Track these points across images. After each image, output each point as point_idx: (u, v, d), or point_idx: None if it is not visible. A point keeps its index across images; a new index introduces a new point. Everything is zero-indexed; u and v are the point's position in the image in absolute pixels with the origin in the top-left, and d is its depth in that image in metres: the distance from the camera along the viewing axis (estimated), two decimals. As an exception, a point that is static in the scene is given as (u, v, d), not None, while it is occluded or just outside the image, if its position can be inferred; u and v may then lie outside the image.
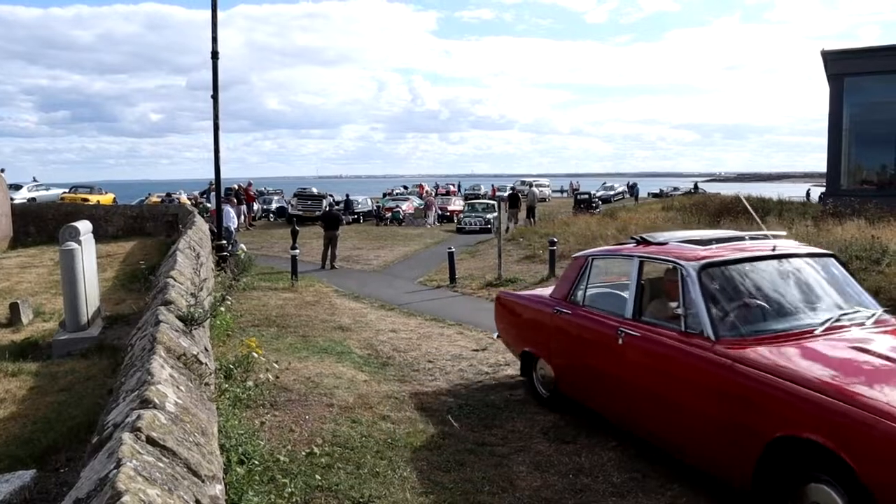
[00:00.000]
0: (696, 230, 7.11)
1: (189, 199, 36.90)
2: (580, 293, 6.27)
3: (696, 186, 58.16)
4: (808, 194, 42.01)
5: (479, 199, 41.20)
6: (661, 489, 4.92)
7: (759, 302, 4.87)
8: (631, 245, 6.08)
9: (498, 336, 7.97)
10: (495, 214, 28.05)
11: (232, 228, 17.84)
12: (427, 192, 48.65)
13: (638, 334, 5.22)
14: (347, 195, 37.72)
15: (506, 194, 43.56)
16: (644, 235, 6.09)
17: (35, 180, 34.61)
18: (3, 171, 21.50)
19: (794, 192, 39.73)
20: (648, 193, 58.81)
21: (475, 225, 29.00)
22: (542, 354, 6.69)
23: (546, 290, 7.39)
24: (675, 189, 61.10)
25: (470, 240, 24.91)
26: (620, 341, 5.35)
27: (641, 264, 5.58)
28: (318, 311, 11.78)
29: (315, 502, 4.60)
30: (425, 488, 4.92)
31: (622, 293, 5.91)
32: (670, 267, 5.28)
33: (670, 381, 4.84)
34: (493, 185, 57.88)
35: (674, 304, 5.07)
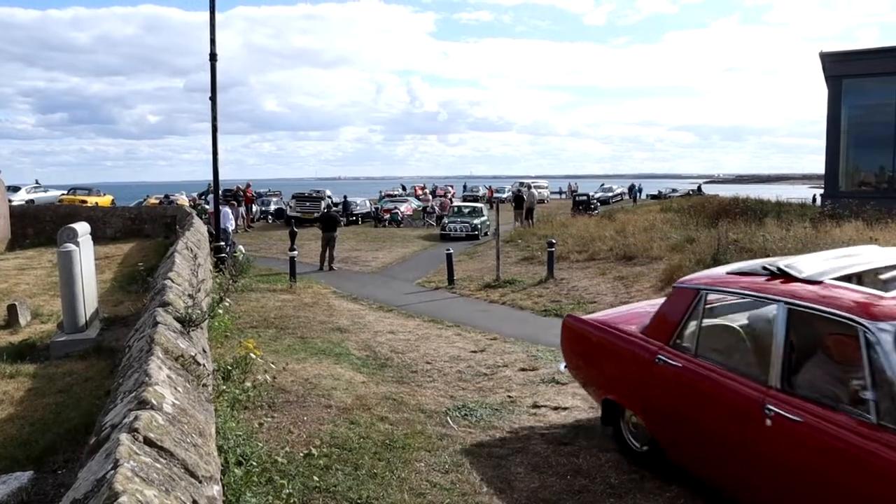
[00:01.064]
0: (840, 250, 5.14)
1: (188, 200, 36.88)
2: (690, 337, 4.76)
3: (699, 189, 58.20)
4: (814, 199, 39.35)
5: (477, 200, 41.06)
6: (658, 490, 4.92)
7: None
8: (763, 278, 4.49)
9: (565, 367, 6.41)
10: (483, 219, 27.29)
11: (229, 230, 17.82)
12: (424, 193, 48.64)
13: (798, 419, 3.73)
14: (345, 196, 37.71)
15: (504, 195, 43.56)
16: (782, 266, 4.45)
17: (37, 183, 34.64)
18: None
19: (792, 193, 39.72)
20: (647, 195, 58.90)
21: (461, 231, 26.25)
22: (635, 408, 5.30)
23: (621, 312, 6.16)
24: (674, 191, 61.20)
25: (456, 247, 23.46)
26: (769, 422, 3.90)
27: (790, 314, 4.03)
28: (316, 313, 11.78)
29: (313, 503, 4.60)
30: (423, 489, 4.92)
31: (756, 344, 4.45)
32: (842, 321, 3.72)
33: (861, 495, 3.41)
34: (489, 187, 57.92)
35: (858, 383, 3.58)
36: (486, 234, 26.39)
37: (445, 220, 28.30)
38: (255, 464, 4.51)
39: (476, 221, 27.05)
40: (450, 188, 58.27)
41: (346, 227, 30.67)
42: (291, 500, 4.38)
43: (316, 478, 4.86)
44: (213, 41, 14.26)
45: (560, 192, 65.80)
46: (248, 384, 6.03)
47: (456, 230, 26.36)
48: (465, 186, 61.96)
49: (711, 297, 4.83)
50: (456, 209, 30.02)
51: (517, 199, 31.91)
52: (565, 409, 6.84)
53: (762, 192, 33.17)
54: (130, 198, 42.15)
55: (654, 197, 56.08)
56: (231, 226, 18.58)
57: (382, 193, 47.85)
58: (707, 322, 4.77)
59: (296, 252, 16.22)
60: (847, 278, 4.18)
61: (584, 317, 6.24)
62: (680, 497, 4.78)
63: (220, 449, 4.09)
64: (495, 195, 46.14)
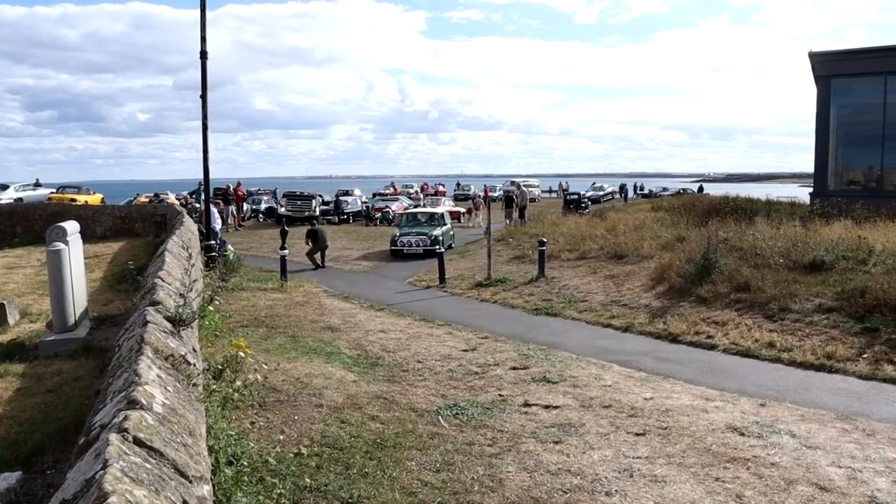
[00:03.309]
0: None
1: (178, 199, 36.68)
2: None
3: (700, 188, 58.46)
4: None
5: (468, 199, 40.53)
6: (649, 485, 4.94)
7: None
8: None
9: None
10: (445, 228, 21.77)
11: (217, 229, 17.74)
12: (433, 192, 48.48)
13: None
14: (336, 196, 37.60)
15: (496, 194, 43.46)
16: None
17: (38, 182, 34.55)
18: None
19: (782, 192, 39.87)
20: (637, 194, 59.06)
21: (416, 245, 20.23)
22: None
23: None
24: (665, 189, 61.39)
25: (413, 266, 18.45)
26: None
27: None
28: (307, 312, 11.76)
29: (304, 503, 4.60)
30: (414, 488, 4.92)
31: None
32: None
33: None
34: (485, 186, 57.79)
35: None
36: (450, 246, 21.55)
37: (396, 231, 21.90)
38: (245, 463, 4.50)
39: (436, 233, 20.80)
40: (440, 186, 58.05)
41: (338, 225, 30.64)
42: (282, 500, 4.37)
43: (307, 477, 4.85)
44: (203, 39, 14.19)
45: (550, 191, 65.83)
46: (239, 383, 6.01)
47: (410, 245, 20.33)
48: (458, 184, 61.69)
49: None
50: (409, 216, 23.48)
51: (508, 199, 31.80)
52: (556, 407, 6.86)
53: (752, 191, 33.29)
54: (120, 196, 41.91)
55: (644, 196, 56.26)
56: (217, 225, 18.49)
57: (340, 192, 46.38)
58: None
59: (286, 251, 16.19)
60: None
61: None
62: (670, 493, 4.79)
63: (210, 449, 4.08)
64: (491, 194, 45.90)
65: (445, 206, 37.06)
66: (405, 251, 20.14)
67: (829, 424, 6.54)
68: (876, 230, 13.95)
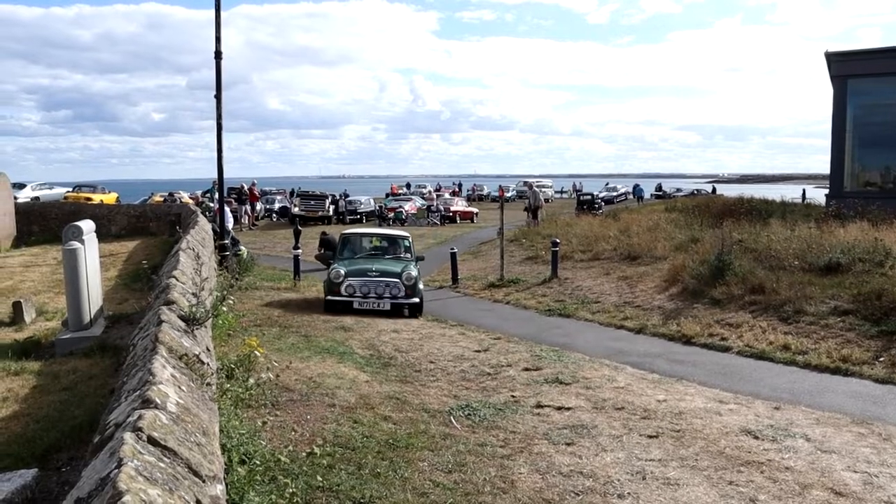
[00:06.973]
0: None
1: (191, 198, 36.91)
2: None
3: (713, 189, 58.19)
4: (803, 196, 37.02)
5: (482, 200, 40.16)
6: (662, 488, 4.92)
7: None
8: None
9: None
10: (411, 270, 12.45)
11: (229, 228, 17.82)
12: (425, 192, 48.34)
13: None
14: (338, 195, 37.75)
15: (509, 195, 43.27)
16: None
17: (46, 185, 35.24)
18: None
19: (797, 193, 39.50)
20: (651, 195, 58.82)
21: (380, 298, 11.90)
22: None
23: None
24: (679, 190, 61.11)
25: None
26: None
27: None
28: (320, 311, 11.78)
29: (316, 502, 4.60)
30: (426, 489, 4.92)
31: None
32: None
33: None
34: (500, 187, 57.50)
35: None
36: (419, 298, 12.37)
37: (340, 269, 12.14)
38: (258, 462, 4.51)
39: (413, 272, 12.31)
40: (454, 186, 57.44)
41: (351, 225, 30.78)
42: (295, 500, 4.38)
43: (319, 477, 4.86)
44: (218, 39, 14.26)
45: (562, 192, 65.49)
46: (252, 382, 6.03)
47: (367, 295, 11.91)
48: (459, 185, 61.07)
49: None
50: (358, 240, 14.11)
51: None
52: (569, 409, 6.84)
53: (767, 192, 33.03)
54: (135, 195, 42.25)
55: (658, 196, 56.01)
56: (229, 224, 18.58)
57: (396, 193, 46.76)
58: None
59: (300, 251, 16.24)
60: None
61: None
62: (683, 496, 4.75)
63: (223, 447, 4.10)
64: (507, 194, 45.69)
65: (459, 206, 37.09)
66: (356, 306, 11.71)
67: (845, 428, 6.47)
68: (893, 232, 13.80)
